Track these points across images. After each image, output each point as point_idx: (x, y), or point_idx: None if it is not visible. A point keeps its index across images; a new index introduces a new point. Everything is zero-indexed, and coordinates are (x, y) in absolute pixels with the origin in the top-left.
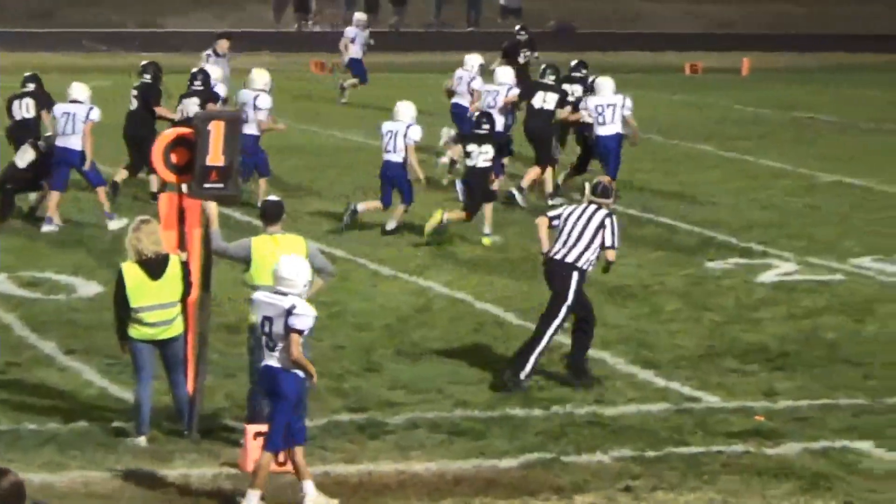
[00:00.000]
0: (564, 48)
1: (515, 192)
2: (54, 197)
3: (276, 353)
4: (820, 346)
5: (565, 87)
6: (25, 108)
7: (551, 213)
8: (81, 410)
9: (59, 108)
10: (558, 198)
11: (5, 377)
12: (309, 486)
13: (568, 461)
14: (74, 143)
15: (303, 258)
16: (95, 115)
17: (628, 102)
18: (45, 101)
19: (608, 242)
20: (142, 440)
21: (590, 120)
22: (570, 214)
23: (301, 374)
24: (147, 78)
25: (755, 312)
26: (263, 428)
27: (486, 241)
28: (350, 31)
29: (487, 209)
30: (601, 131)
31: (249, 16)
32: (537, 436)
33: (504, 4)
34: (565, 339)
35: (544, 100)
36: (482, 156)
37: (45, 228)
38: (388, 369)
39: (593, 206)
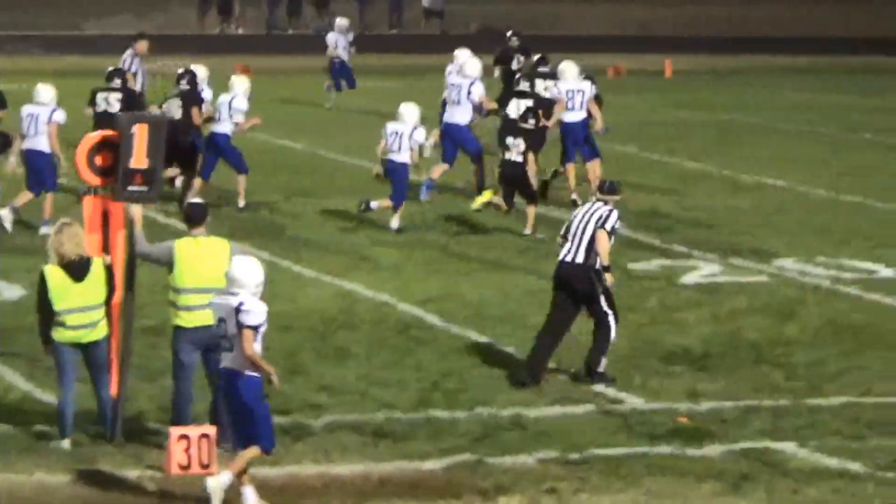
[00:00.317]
0: (487, 51)
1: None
2: (49, 198)
3: (233, 354)
4: (743, 348)
5: (538, 82)
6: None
7: (563, 231)
8: (4, 414)
9: (24, 110)
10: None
11: None
12: (249, 492)
13: (492, 463)
14: (40, 144)
15: (254, 259)
16: (60, 116)
17: (594, 89)
18: None
19: (602, 224)
20: (66, 443)
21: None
22: (574, 217)
23: (257, 375)
24: (184, 84)
25: (678, 314)
26: (188, 430)
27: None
28: (332, 36)
29: (530, 210)
30: (568, 117)
31: (172, 18)
32: (461, 438)
33: (427, 7)
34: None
35: (519, 109)
36: (515, 149)
37: (43, 230)
38: (312, 372)
39: (599, 203)
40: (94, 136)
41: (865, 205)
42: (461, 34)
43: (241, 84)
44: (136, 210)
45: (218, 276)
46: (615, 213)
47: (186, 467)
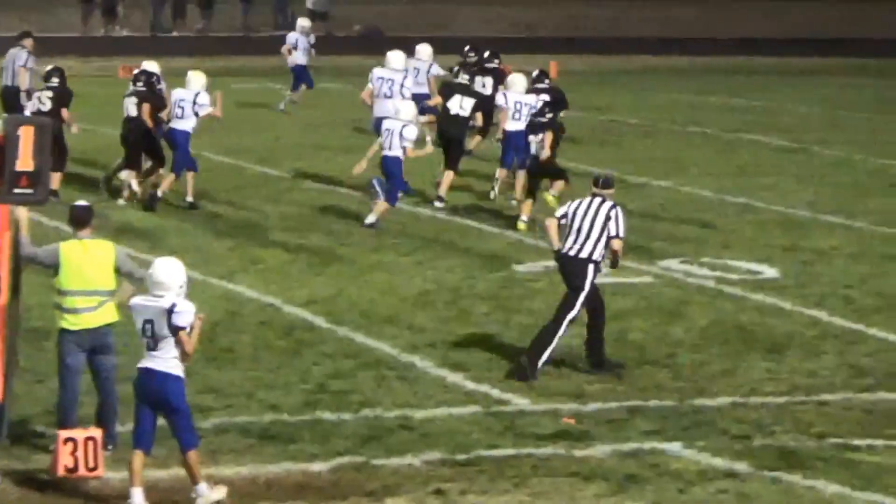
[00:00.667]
0: (371, 52)
1: (437, 203)
2: None
3: (158, 354)
4: (628, 348)
5: (477, 79)
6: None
7: (559, 213)
8: None
9: None
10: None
11: None
12: (137, 494)
13: (379, 465)
14: None
15: (175, 260)
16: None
17: (538, 104)
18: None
19: (613, 232)
20: None
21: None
22: (576, 210)
23: (183, 375)
24: (140, 85)
25: None
26: (74, 433)
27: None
28: (292, 36)
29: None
30: (511, 126)
31: (56, 20)
32: (348, 439)
33: (311, 8)
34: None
35: (461, 105)
36: (536, 144)
37: None
38: (198, 374)
39: (598, 199)
40: None
41: (749, 205)
42: (346, 36)
43: (199, 79)
44: (22, 213)
45: (103, 278)
46: (621, 215)
47: (73, 470)
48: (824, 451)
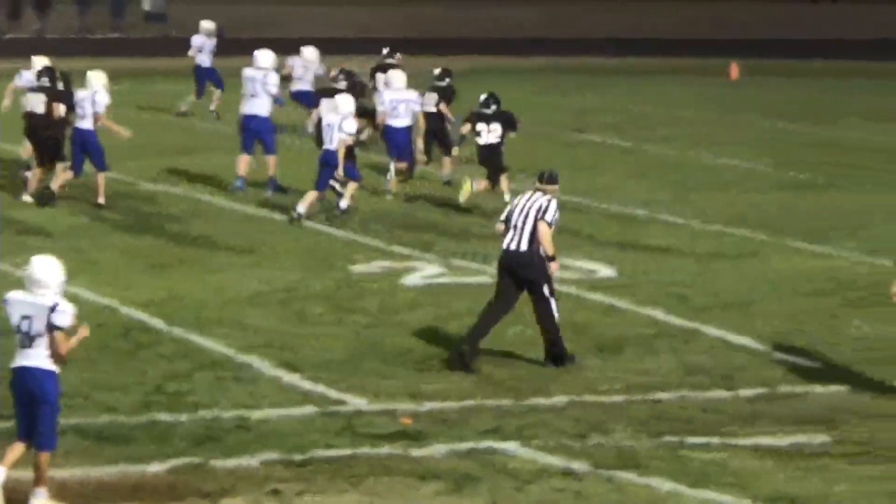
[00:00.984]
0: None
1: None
2: None
3: (33, 352)
4: None
5: (378, 75)
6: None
7: (503, 216)
8: None
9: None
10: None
11: None
12: (41, 493)
13: (215, 466)
14: None
15: (53, 258)
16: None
17: (421, 99)
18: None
19: (542, 216)
20: None
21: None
22: (515, 206)
23: (57, 371)
24: (45, 81)
25: (400, 315)
26: None
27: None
28: (197, 39)
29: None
30: (395, 123)
31: None
32: (184, 440)
33: (148, 10)
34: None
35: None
36: (491, 133)
37: None
38: None
39: (538, 194)
40: None
41: (586, 205)
42: (184, 37)
43: (98, 79)
44: None
45: None
46: (554, 203)
47: None
48: (660, 450)
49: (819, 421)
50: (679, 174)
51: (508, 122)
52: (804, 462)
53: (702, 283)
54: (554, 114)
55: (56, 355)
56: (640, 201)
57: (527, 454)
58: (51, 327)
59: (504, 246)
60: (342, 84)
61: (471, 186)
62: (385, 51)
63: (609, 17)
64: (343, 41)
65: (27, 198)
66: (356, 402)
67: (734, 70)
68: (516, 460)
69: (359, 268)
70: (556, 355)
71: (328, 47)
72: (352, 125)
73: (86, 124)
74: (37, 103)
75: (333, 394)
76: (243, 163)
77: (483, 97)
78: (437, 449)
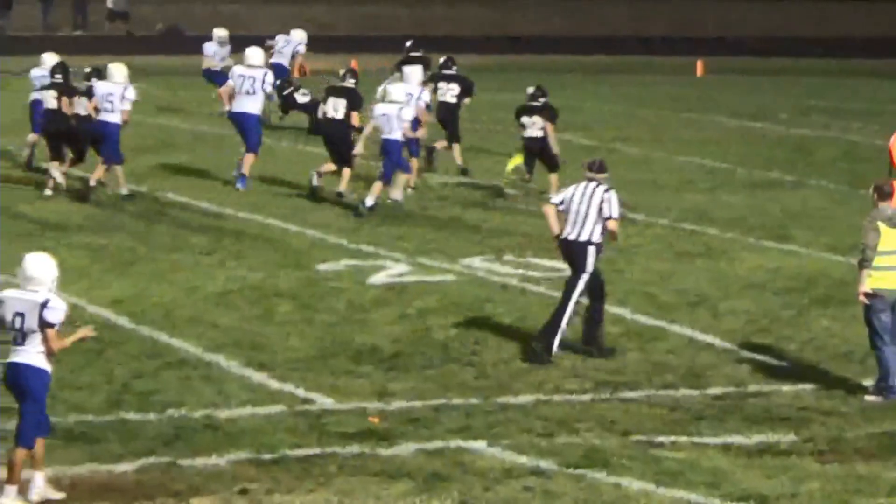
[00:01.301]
0: (172, 51)
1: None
2: None
3: (25, 348)
4: (432, 347)
5: (441, 85)
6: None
7: (555, 199)
8: None
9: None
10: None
11: None
12: (39, 479)
13: (184, 465)
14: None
15: (46, 255)
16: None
17: (425, 95)
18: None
19: (606, 213)
20: None
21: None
22: (572, 196)
23: (49, 369)
24: (58, 77)
25: (367, 314)
26: None
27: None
28: (209, 46)
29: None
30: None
31: None
32: (153, 440)
33: (111, 8)
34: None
35: (335, 107)
36: (534, 126)
37: None
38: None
39: (593, 184)
40: None
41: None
42: (147, 35)
43: (120, 72)
44: None
45: None
46: (615, 198)
47: None
48: (628, 449)
49: (787, 419)
50: (646, 173)
51: (550, 115)
52: (772, 460)
53: (669, 282)
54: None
55: (48, 352)
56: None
57: (496, 453)
58: (42, 324)
59: (563, 234)
60: (350, 82)
61: (516, 161)
62: (408, 44)
63: (571, 15)
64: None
65: (48, 192)
66: (324, 401)
67: (699, 68)
68: (485, 459)
69: (326, 266)
70: (544, 342)
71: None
72: (410, 113)
73: (112, 118)
74: (50, 99)
75: (301, 393)
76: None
77: (531, 90)
78: (406, 448)
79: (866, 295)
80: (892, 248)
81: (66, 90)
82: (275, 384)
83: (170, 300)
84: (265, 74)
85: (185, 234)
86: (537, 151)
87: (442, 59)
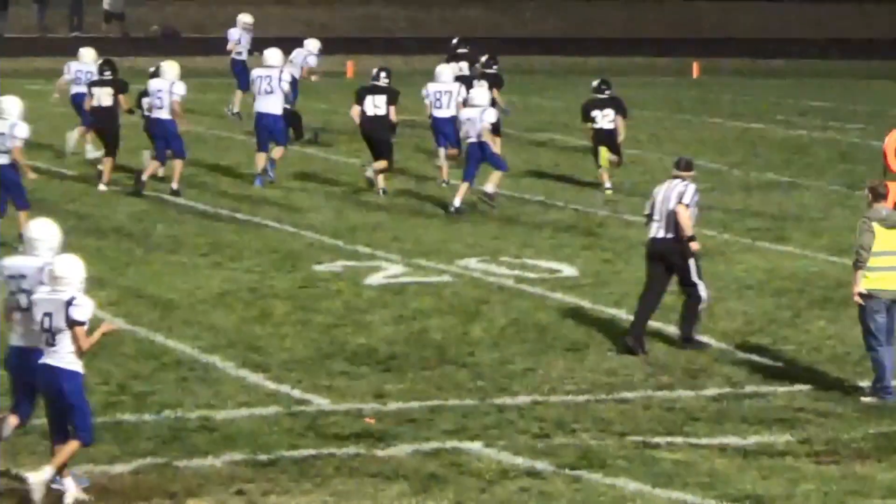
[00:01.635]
0: (168, 53)
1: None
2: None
3: (55, 349)
4: (428, 348)
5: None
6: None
7: (646, 210)
8: None
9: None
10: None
11: None
12: (69, 483)
13: (180, 466)
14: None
15: (74, 256)
16: (21, 132)
17: (463, 91)
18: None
19: (681, 200)
20: None
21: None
22: (656, 196)
23: (81, 370)
24: (108, 74)
25: (363, 315)
26: None
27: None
28: (234, 32)
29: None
30: (438, 114)
31: None
32: (149, 441)
33: (107, 9)
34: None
35: (375, 104)
36: (605, 118)
37: None
38: None
39: (677, 181)
40: None
41: (547, 204)
42: (143, 36)
43: (172, 69)
44: None
45: None
46: (692, 188)
47: None
48: (624, 449)
49: (783, 420)
50: (642, 174)
51: (620, 107)
52: (769, 461)
53: None
54: (515, 114)
55: (77, 350)
56: (602, 201)
57: (492, 454)
58: (70, 322)
59: (650, 234)
60: (384, 82)
61: (608, 154)
62: (454, 41)
63: (562, 15)
64: (298, 41)
65: (102, 187)
66: (321, 402)
67: (696, 69)
68: (481, 460)
69: (322, 267)
70: (685, 336)
71: (286, 46)
72: (492, 115)
73: (164, 115)
74: (103, 96)
75: (298, 394)
76: (261, 160)
77: (595, 83)
78: (402, 449)
79: (861, 296)
80: (886, 248)
81: (121, 87)
82: (271, 385)
83: (166, 301)
84: (281, 72)
85: (182, 235)
86: (606, 143)
87: (594, 83)
